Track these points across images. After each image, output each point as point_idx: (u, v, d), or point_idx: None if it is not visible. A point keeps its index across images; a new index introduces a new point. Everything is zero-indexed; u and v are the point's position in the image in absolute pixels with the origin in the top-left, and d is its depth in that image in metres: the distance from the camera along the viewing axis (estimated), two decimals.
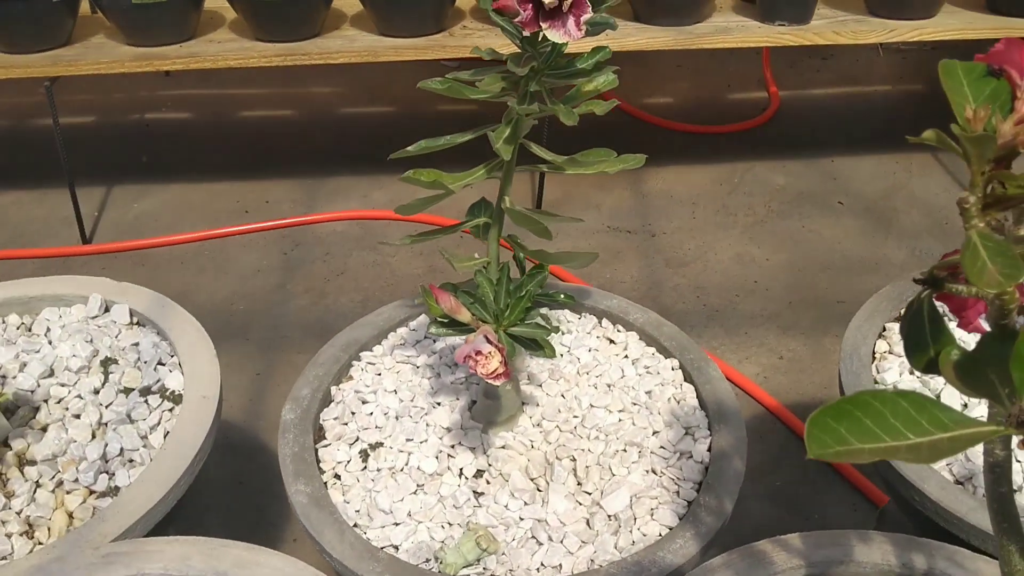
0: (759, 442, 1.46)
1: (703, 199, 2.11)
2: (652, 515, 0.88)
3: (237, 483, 1.39)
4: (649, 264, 1.94)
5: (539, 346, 0.83)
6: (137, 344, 1.07)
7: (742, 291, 1.85)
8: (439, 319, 0.82)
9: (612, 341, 1.07)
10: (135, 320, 1.11)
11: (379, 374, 1.03)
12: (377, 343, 1.08)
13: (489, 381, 0.76)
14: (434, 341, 1.07)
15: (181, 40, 1.89)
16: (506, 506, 0.89)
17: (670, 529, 0.86)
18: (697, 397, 1.00)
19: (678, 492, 0.90)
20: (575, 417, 0.97)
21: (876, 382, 1.00)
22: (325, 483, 0.92)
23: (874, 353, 1.05)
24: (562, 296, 0.90)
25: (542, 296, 0.86)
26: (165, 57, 1.82)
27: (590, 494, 0.90)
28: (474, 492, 0.90)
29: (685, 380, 1.02)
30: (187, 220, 2.06)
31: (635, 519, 0.87)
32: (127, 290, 1.13)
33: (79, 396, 1.00)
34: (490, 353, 0.75)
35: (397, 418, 0.97)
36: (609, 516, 0.88)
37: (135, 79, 2.51)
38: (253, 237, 2.01)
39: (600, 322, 1.10)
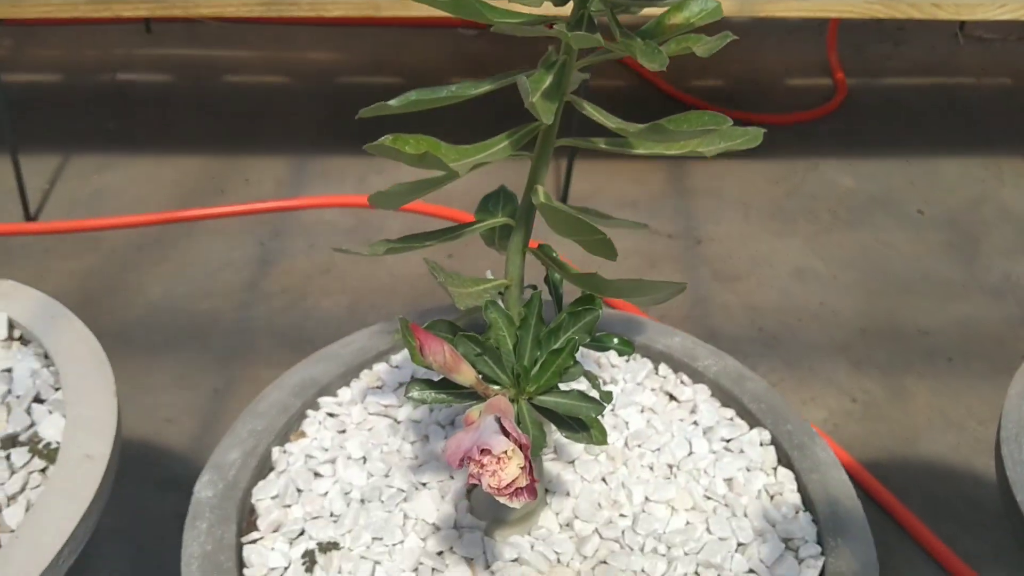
0: None
1: (757, 200, 1.79)
2: None
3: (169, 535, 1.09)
4: (694, 276, 1.63)
5: (582, 427, 0.52)
6: (9, 370, 0.77)
7: (805, 314, 1.53)
8: (423, 380, 0.52)
9: (673, 398, 0.76)
10: (16, 334, 0.81)
11: (342, 431, 0.73)
12: (343, 384, 0.77)
13: (502, 499, 0.46)
14: None
15: None
16: None
17: None
18: (799, 491, 0.69)
19: None
20: (623, 517, 0.66)
21: None
22: None
23: None
24: (615, 341, 0.59)
25: (587, 344, 0.56)
26: (126, 0, 1.52)
27: None
28: None
29: (781, 463, 0.72)
30: (154, 198, 1.76)
31: None
32: (6, 292, 0.82)
33: None
34: (505, 455, 0.45)
35: (363, 503, 0.67)
36: None
37: (111, 35, 2.21)
38: (226, 222, 1.71)
39: (656, 369, 0.79)
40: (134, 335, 1.47)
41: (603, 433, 0.52)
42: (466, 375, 0.50)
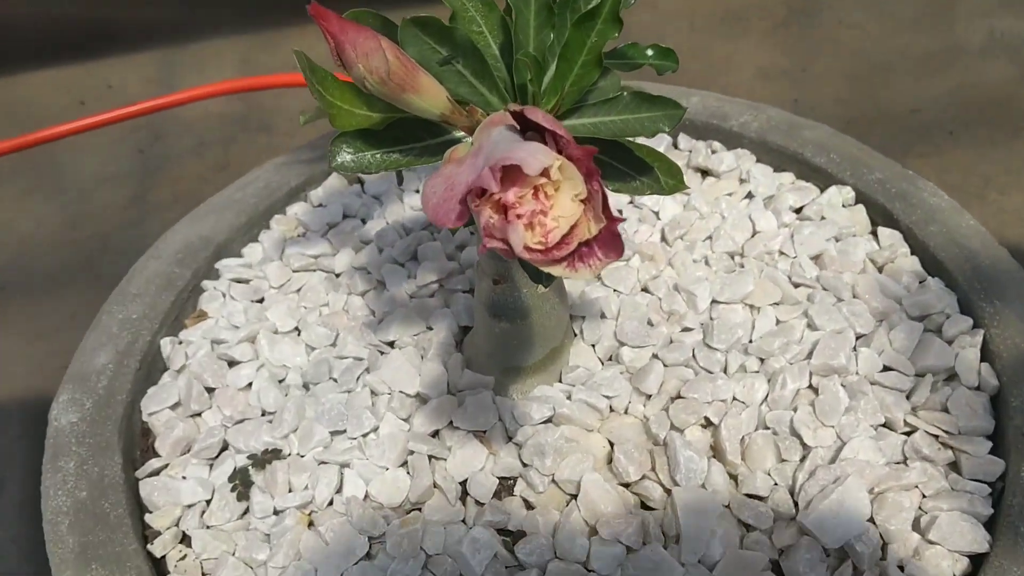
0: None
1: (699, 6, 1.57)
2: (925, 532, 0.38)
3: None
4: None
5: (641, 168, 0.31)
6: None
7: None
8: (354, 132, 0.29)
9: (709, 173, 0.55)
10: None
11: (258, 299, 0.50)
12: (249, 240, 0.55)
13: (557, 271, 0.24)
14: (364, 222, 0.54)
15: None
16: (585, 566, 0.38)
17: (975, 561, 0.37)
18: (916, 253, 0.49)
19: (957, 464, 0.40)
20: (687, 331, 0.46)
21: None
22: (157, 562, 0.40)
23: None
24: (650, 53, 0.37)
25: (612, 59, 0.34)
26: None
27: (765, 500, 0.39)
28: (502, 535, 0.39)
29: (880, 223, 0.51)
30: (2, 126, 1.47)
31: (887, 548, 0.37)
32: None
33: None
34: (548, 177, 0.23)
35: (306, 388, 0.45)
36: (827, 551, 0.38)
37: None
38: (94, 136, 1.43)
39: (675, 143, 0.58)
40: (9, 279, 1.21)
41: (677, 174, 0.31)
42: (431, 95, 0.28)
